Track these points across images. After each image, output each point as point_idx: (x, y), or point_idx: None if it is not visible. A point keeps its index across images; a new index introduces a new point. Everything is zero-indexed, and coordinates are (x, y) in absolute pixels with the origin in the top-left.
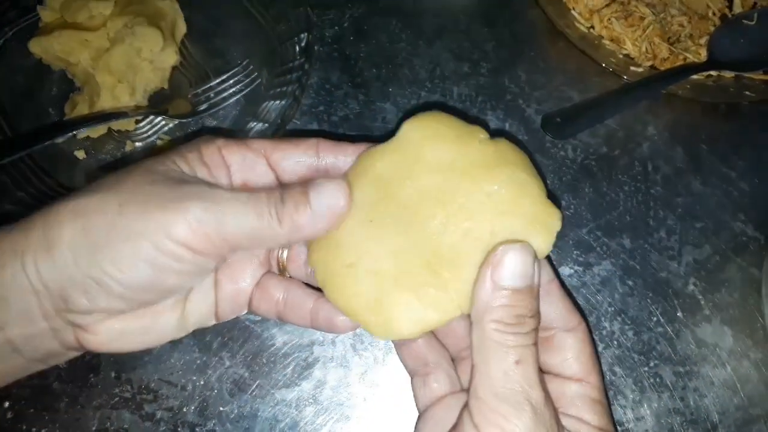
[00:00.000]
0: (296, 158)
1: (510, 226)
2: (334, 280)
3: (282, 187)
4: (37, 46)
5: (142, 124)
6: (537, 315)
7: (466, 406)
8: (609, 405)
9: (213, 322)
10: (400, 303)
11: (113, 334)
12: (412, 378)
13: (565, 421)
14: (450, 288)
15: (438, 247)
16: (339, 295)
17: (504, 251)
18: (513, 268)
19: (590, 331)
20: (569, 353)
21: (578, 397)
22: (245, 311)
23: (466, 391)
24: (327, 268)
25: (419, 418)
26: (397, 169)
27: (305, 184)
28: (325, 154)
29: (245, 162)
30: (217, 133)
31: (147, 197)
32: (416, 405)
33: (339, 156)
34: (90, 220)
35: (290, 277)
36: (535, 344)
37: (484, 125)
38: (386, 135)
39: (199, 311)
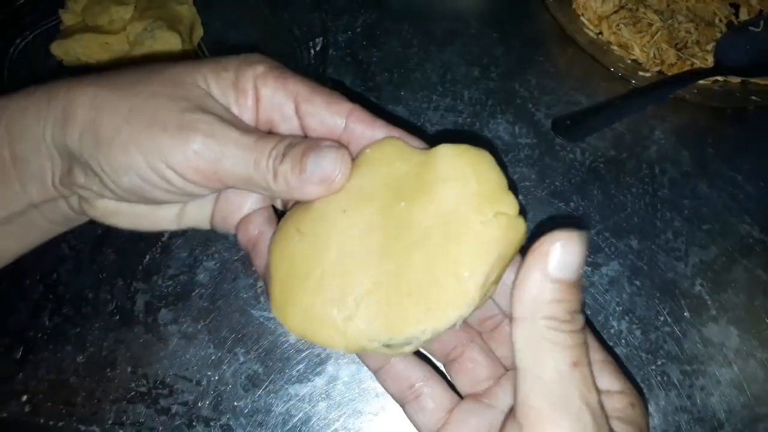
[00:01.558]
0: (323, 118)
1: (447, 317)
2: (278, 234)
3: (294, 138)
4: (58, 49)
5: None
6: (583, 309)
7: (511, 416)
8: (617, 361)
9: (207, 227)
10: (304, 300)
11: (108, 210)
12: (404, 407)
13: None
14: (350, 325)
15: (378, 280)
16: (272, 250)
17: (555, 239)
18: (565, 257)
19: None
20: None
21: None
22: (233, 232)
23: (467, 396)
24: (284, 222)
25: None
26: (406, 183)
27: (310, 145)
28: (355, 124)
29: (275, 100)
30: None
31: (156, 112)
32: None
33: (367, 130)
34: (100, 115)
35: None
36: (587, 342)
37: (515, 191)
38: (430, 136)
39: (196, 214)
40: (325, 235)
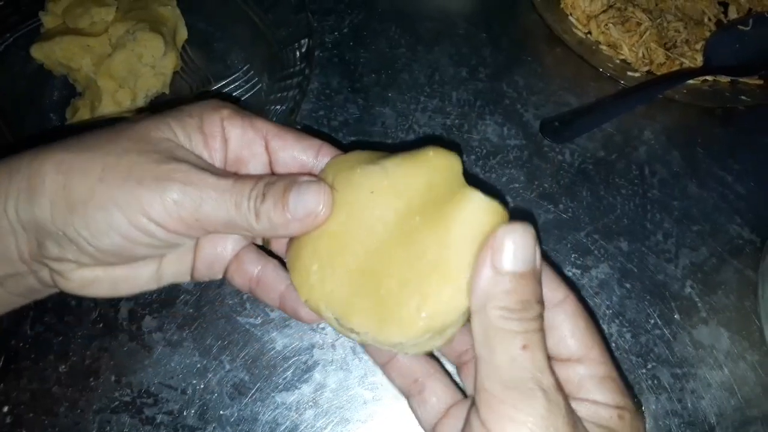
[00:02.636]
0: (294, 153)
1: (389, 336)
2: (320, 174)
3: (271, 177)
4: (38, 52)
5: None
6: (542, 301)
7: (473, 405)
8: (622, 378)
9: (188, 279)
10: (299, 243)
11: (85, 281)
12: (408, 399)
13: (578, 407)
14: (319, 285)
15: (360, 268)
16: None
17: (503, 234)
18: (514, 251)
19: (582, 301)
20: (564, 331)
21: (585, 378)
22: (220, 277)
23: (470, 396)
24: (327, 167)
25: None
26: (432, 201)
27: (289, 181)
28: (324, 158)
29: (244, 138)
30: (227, 100)
31: (130, 168)
32: (422, 427)
33: None
34: (71, 179)
35: (270, 253)
36: (542, 330)
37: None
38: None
39: (176, 268)
40: (343, 203)
